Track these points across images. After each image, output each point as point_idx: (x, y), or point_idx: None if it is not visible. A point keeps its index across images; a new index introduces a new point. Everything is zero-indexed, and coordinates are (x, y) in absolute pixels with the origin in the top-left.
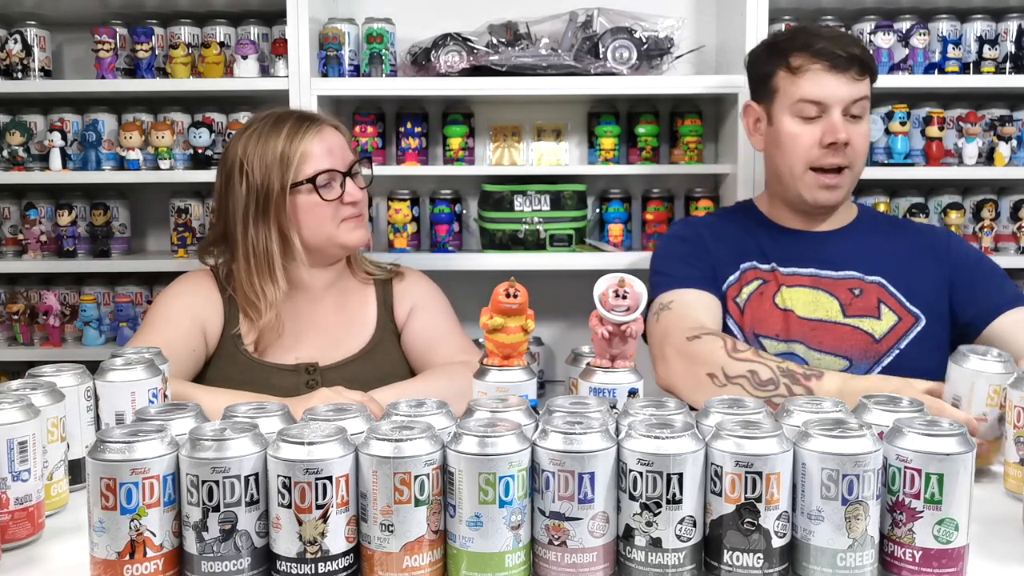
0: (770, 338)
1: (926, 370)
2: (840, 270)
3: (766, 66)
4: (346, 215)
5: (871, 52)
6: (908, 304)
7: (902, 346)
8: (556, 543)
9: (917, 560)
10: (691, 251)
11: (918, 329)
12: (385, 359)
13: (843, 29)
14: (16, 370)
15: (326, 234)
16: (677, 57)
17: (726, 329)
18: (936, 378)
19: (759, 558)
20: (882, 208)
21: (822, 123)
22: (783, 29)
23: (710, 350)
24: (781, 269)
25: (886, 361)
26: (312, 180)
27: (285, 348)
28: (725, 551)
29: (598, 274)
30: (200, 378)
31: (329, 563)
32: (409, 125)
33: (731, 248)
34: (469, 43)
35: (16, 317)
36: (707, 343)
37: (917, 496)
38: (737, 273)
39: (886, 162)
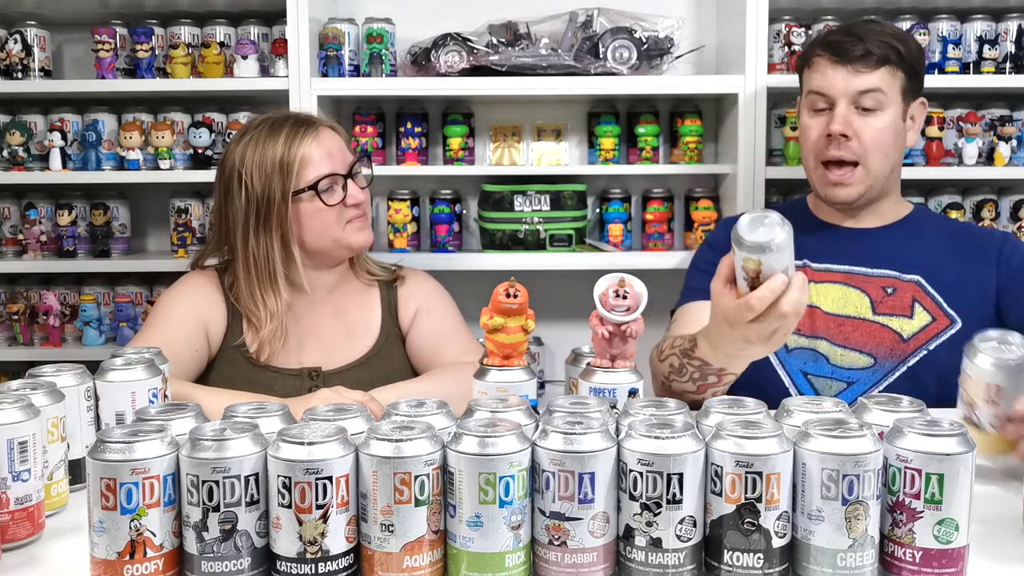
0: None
1: (953, 374)
2: (877, 267)
3: (800, 63)
4: (350, 217)
5: (902, 47)
6: (945, 306)
7: (931, 347)
8: (556, 543)
9: (917, 560)
10: (713, 259)
11: (952, 332)
12: (389, 363)
13: (890, 25)
14: (16, 370)
15: (331, 238)
16: (677, 57)
17: None
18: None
19: (759, 558)
20: None
21: (828, 116)
22: (783, 29)
23: (655, 361)
24: (813, 265)
25: (912, 361)
26: (314, 187)
27: (288, 353)
28: (725, 551)
29: (598, 274)
30: (202, 381)
31: (329, 563)
32: (409, 125)
33: None
34: (469, 43)
35: (16, 317)
36: (653, 356)
37: (917, 496)
38: None
39: None
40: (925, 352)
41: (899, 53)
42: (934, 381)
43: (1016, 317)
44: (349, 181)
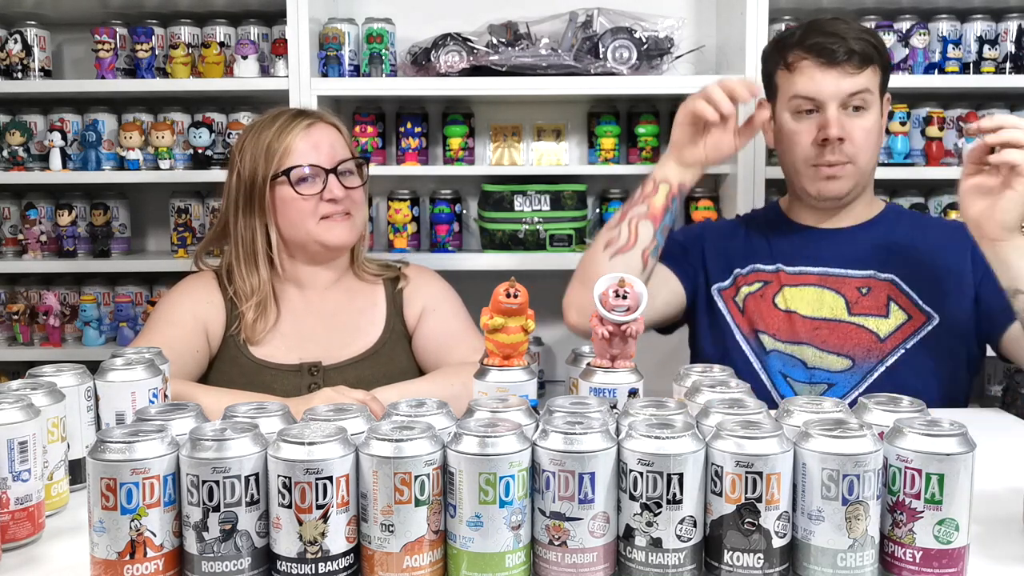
0: (769, 335)
1: (932, 371)
2: (852, 267)
3: (769, 64)
4: (326, 212)
5: (876, 43)
6: (920, 302)
7: (908, 345)
8: (556, 543)
9: (917, 560)
10: (679, 243)
11: (929, 328)
12: (391, 361)
13: (856, 22)
14: (16, 370)
15: (305, 230)
16: (677, 57)
17: (724, 326)
18: (941, 382)
19: (759, 558)
20: None
21: (818, 119)
22: (783, 28)
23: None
24: (787, 268)
25: (890, 360)
26: (287, 173)
27: (288, 348)
28: (725, 551)
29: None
30: (203, 380)
31: (329, 563)
32: (409, 125)
33: (731, 252)
34: (469, 43)
35: (16, 317)
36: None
37: (917, 496)
38: (731, 278)
39: (886, 162)
40: (903, 351)
41: (878, 50)
42: (914, 379)
43: (995, 306)
44: (331, 177)
